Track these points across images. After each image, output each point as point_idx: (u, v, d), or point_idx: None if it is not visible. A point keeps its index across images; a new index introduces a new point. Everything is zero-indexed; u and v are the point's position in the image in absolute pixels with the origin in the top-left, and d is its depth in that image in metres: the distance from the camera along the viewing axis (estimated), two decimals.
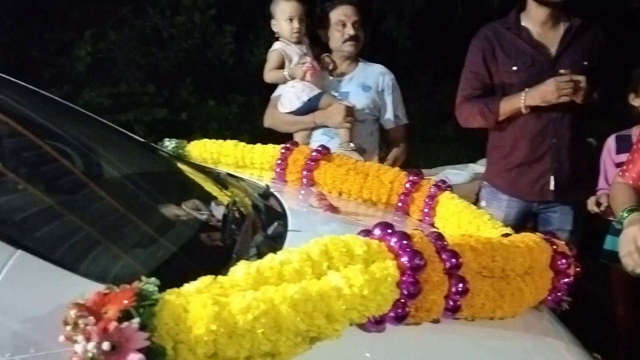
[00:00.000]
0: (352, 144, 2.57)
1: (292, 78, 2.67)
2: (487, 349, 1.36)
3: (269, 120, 2.83)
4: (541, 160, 2.51)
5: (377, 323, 1.10)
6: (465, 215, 1.87)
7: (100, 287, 0.89)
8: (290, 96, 2.69)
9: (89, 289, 0.88)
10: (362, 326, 1.09)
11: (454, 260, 1.22)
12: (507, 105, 2.46)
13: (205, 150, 2.41)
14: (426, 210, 2.02)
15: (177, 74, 6.77)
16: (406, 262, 1.13)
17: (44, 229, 1.15)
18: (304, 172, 2.22)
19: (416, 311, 1.17)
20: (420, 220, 2.04)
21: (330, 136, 2.66)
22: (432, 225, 1.99)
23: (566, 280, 1.53)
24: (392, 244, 1.17)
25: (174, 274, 1.05)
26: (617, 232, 2.46)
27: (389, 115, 2.77)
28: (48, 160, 1.50)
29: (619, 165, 2.51)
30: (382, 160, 2.72)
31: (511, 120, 2.51)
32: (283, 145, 2.34)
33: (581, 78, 2.32)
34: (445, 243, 1.26)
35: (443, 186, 2.05)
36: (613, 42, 2.59)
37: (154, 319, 0.86)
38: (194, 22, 6.76)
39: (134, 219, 1.43)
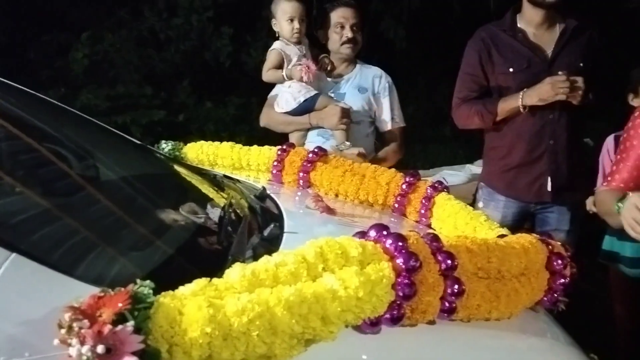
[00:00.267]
0: (348, 143, 2.56)
1: (290, 78, 2.66)
2: (483, 350, 1.36)
3: (265, 119, 2.83)
4: (538, 161, 2.51)
5: (372, 325, 1.10)
6: (462, 216, 1.87)
7: (95, 290, 0.89)
8: (286, 96, 2.68)
9: (84, 292, 0.88)
10: (357, 328, 1.10)
11: (449, 261, 1.23)
12: (505, 106, 2.46)
13: (201, 152, 2.41)
14: (423, 211, 2.03)
15: (175, 75, 6.77)
16: (401, 264, 1.13)
17: (39, 231, 1.14)
18: (301, 174, 2.22)
19: (412, 313, 1.17)
20: (417, 222, 2.05)
21: (325, 137, 2.65)
22: (429, 226, 2.00)
23: (562, 280, 1.53)
24: (387, 245, 1.17)
25: (170, 277, 1.05)
26: (615, 233, 2.47)
27: (385, 117, 2.75)
28: (43, 162, 1.50)
29: None
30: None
31: (508, 122, 2.51)
32: (279, 147, 2.34)
33: (578, 78, 2.33)
34: (441, 244, 1.26)
35: (439, 187, 2.06)
36: (611, 42, 2.59)
37: (148, 322, 0.87)
38: (191, 24, 6.76)
39: (130, 222, 1.43)
